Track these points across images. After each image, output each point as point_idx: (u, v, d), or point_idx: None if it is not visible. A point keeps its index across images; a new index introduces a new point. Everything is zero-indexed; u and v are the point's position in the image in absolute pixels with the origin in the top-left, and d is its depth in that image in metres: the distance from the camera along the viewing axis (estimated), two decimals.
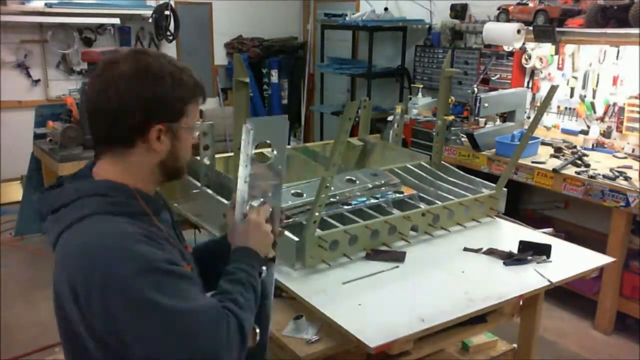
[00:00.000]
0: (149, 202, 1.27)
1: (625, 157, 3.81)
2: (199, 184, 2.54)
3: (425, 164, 2.89)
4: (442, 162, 2.92)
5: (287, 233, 2.08)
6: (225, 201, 2.37)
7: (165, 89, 1.22)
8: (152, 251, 1.15)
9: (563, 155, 3.83)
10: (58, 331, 1.23)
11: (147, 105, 1.20)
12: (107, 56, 1.27)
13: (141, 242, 1.15)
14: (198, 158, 2.52)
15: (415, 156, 3.04)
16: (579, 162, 3.64)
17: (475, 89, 4.08)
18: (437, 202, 2.48)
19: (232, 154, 2.41)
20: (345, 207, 2.33)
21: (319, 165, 2.75)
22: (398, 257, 2.18)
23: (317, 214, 2.00)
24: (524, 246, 2.27)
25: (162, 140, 1.24)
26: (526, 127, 3.96)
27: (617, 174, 3.38)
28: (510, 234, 2.50)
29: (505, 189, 2.66)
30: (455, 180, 2.76)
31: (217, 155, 2.59)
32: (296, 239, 2.05)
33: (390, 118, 4.61)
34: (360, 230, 2.17)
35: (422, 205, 2.45)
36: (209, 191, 2.49)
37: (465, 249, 2.30)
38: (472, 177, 2.79)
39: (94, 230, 1.16)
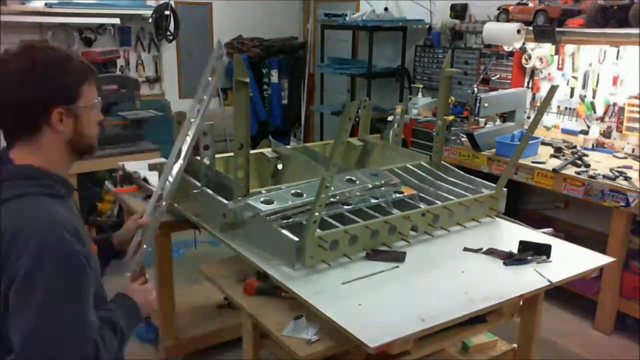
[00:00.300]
0: (63, 184, 1.42)
1: (625, 157, 3.81)
2: (199, 184, 2.54)
3: (425, 164, 2.89)
4: (442, 162, 2.92)
5: (287, 233, 2.09)
6: (225, 201, 2.37)
7: (57, 77, 1.37)
8: (74, 242, 1.28)
9: (563, 155, 3.83)
10: None
11: (44, 94, 1.35)
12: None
13: (68, 231, 1.28)
14: (198, 158, 2.52)
15: (415, 156, 3.04)
16: (579, 162, 3.64)
17: (475, 89, 4.08)
18: (437, 202, 2.48)
19: (232, 154, 2.41)
20: (345, 207, 2.33)
21: (319, 165, 2.75)
22: (398, 257, 2.18)
23: (317, 213, 2.00)
24: (524, 246, 2.27)
25: (65, 122, 1.39)
26: (526, 127, 3.96)
27: (617, 174, 3.38)
28: (510, 234, 2.50)
29: (505, 189, 2.66)
30: (455, 180, 2.76)
31: (217, 155, 2.59)
32: (296, 239, 2.05)
33: (390, 118, 4.61)
34: (360, 230, 2.17)
35: (422, 205, 2.45)
36: (209, 191, 2.48)
37: (465, 249, 2.30)
38: (472, 177, 2.79)
39: (33, 209, 1.30)
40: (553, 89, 2.38)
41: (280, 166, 2.95)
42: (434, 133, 2.89)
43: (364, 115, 3.23)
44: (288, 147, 3.08)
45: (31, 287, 1.21)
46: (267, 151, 3.01)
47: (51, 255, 1.23)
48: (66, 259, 1.26)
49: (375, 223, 2.22)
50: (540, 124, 3.90)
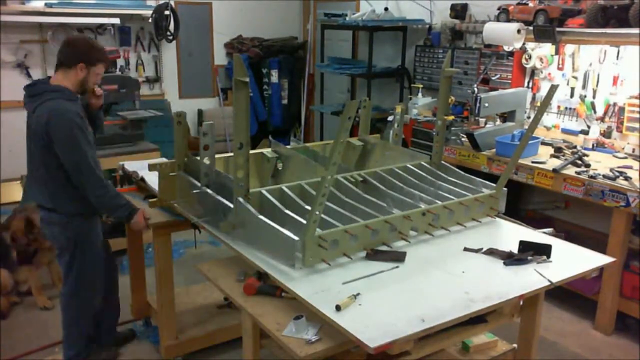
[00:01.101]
0: (71, 94, 2.66)
1: (626, 157, 3.81)
2: (199, 184, 2.54)
3: (425, 164, 2.89)
4: (442, 162, 2.92)
5: (287, 232, 2.09)
6: (225, 201, 2.37)
7: (91, 52, 2.70)
8: (82, 120, 2.61)
9: (563, 155, 3.83)
10: (31, 151, 2.73)
11: (81, 56, 2.70)
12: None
13: (77, 114, 2.59)
14: (198, 158, 2.51)
15: (415, 156, 3.04)
16: (579, 162, 3.64)
17: (476, 89, 4.08)
18: (437, 201, 2.48)
19: (232, 154, 2.41)
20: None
21: (319, 165, 2.75)
22: (398, 257, 2.18)
23: (317, 213, 2.00)
24: (524, 246, 2.27)
25: (81, 72, 2.68)
26: (526, 127, 3.95)
27: (617, 174, 3.38)
28: (511, 234, 2.50)
29: (505, 189, 2.66)
30: (455, 180, 2.76)
31: (217, 155, 2.59)
32: (296, 238, 2.05)
33: (390, 118, 4.61)
34: (360, 229, 2.17)
35: (422, 205, 2.45)
36: (209, 191, 2.48)
37: (465, 249, 2.30)
38: (472, 177, 2.79)
39: (56, 105, 2.57)
40: (553, 89, 2.38)
41: (280, 166, 2.94)
42: (434, 133, 2.89)
43: (364, 115, 3.23)
44: (288, 147, 3.08)
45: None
46: (267, 151, 3.01)
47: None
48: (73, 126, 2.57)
49: (375, 223, 2.22)
50: (540, 124, 3.90)
